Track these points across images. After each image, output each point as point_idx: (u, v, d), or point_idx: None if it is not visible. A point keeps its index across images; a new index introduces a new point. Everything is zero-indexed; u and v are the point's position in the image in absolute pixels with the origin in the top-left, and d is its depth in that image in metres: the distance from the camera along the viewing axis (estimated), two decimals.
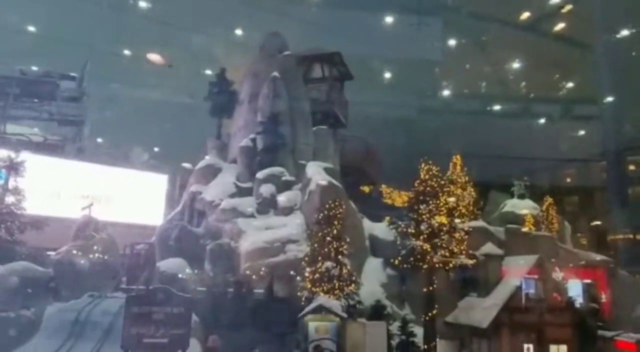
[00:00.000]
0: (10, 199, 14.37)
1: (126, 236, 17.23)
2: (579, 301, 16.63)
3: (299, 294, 12.60)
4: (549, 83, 43.35)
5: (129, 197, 25.43)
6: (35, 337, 11.36)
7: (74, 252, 13.58)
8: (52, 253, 14.43)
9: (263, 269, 14.30)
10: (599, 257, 19.91)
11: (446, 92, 44.20)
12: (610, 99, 40.11)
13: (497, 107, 44.08)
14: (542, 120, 43.47)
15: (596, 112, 40.47)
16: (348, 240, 13.57)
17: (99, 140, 34.06)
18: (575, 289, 17.29)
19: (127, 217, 22.78)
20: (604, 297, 18.64)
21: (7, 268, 12.02)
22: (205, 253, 14.51)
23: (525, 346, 13.95)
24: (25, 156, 15.79)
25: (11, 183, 14.54)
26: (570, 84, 42.93)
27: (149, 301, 9.00)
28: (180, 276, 11.88)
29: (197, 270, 13.24)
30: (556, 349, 14.35)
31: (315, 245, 13.30)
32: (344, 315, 11.42)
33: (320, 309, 11.09)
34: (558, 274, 16.99)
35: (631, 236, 39.80)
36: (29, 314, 11.52)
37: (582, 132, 42.57)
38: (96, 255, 13.85)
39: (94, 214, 15.78)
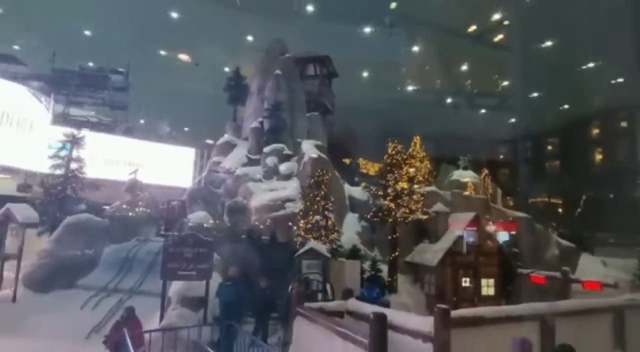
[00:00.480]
0: (73, 165, 14.25)
1: (163, 195, 17.27)
2: (503, 247, 17.03)
3: (294, 239, 12.78)
4: (489, 81, 43.54)
5: (165, 165, 25.34)
6: (96, 270, 11.50)
7: (124, 206, 13.60)
8: (107, 207, 14.41)
9: (267, 221, 14.41)
10: (521, 214, 20.30)
11: (410, 88, 44.16)
12: (535, 94, 40.15)
13: (449, 100, 44.18)
14: (483, 110, 43.70)
15: (524, 104, 40.80)
16: (332, 199, 13.68)
17: (142, 121, 33.82)
18: (502, 238, 17.70)
19: (164, 181, 22.75)
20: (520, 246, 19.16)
21: (73, 218, 12.03)
22: (224, 208, 14.60)
23: (464, 279, 14.35)
24: (85, 133, 15.63)
25: (74, 153, 14.40)
26: (505, 82, 43.02)
27: (181, 243, 9.08)
28: (205, 225, 11.96)
29: (218, 221, 13.34)
30: (486, 282, 14.77)
31: (308, 203, 13.41)
32: (329, 255, 11.60)
33: (310, 251, 11.23)
34: (491, 227, 17.33)
35: (546, 199, 40.78)
36: (91, 253, 11.62)
37: (512, 120, 42.87)
38: (141, 209, 13.88)
39: (138, 178, 15.72)
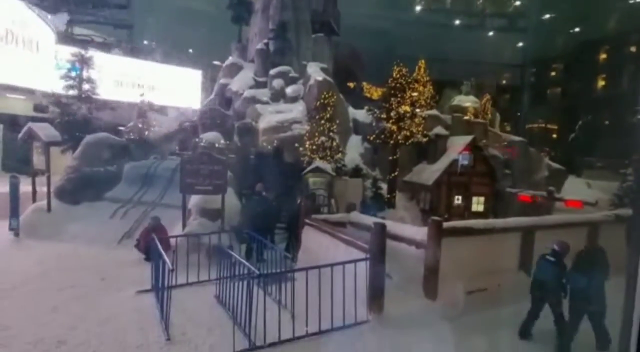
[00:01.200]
0: (86, 86, 14.00)
1: (175, 116, 17.18)
2: (496, 170, 17.30)
3: (301, 159, 13.05)
4: (501, 1, 39.97)
5: (173, 87, 24.80)
6: (120, 185, 11.97)
7: (140, 126, 13.65)
8: (122, 128, 14.47)
9: (275, 141, 14.56)
10: (516, 138, 20.29)
11: (418, 8, 40.78)
12: (548, 15, 37.19)
13: (458, 21, 41.03)
14: (492, 33, 40.87)
15: (535, 26, 37.96)
16: (337, 122, 13.66)
17: (145, 42, 32.11)
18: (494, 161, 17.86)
19: (174, 102, 22.42)
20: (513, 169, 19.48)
21: (92, 137, 12.18)
22: (233, 129, 14.66)
23: (456, 197, 14.93)
24: (92, 53, 15.03)
25: (85, 74, 14.03)
26: (517, 2, 39.53)
27: (197, 161, 9.33)
28: (217, 145, 12.12)
29: (229, 141, 13.49)
30: (477, 200, 15.39)
31: (314, 125, 13.43)
32: (333, 173, 11.96)
33: (316, 170, 11.57)
34: (484, 151, 17.45)
35: (543, 125, 40.31)
36: (113, 169, 11.97)
37: (520, 44, 40.35)
38: (156, 128, 13.96)
39: (150, 100, 15.53)
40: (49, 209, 10.71)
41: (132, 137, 13.47)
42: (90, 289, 6.73)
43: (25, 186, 10.71)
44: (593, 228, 9.10)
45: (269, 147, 14.05)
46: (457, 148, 15.21)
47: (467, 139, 15.16)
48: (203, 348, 4.80)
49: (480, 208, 15.13)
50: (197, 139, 12.49)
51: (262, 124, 15.14)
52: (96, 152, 11.95)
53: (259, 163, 12.96)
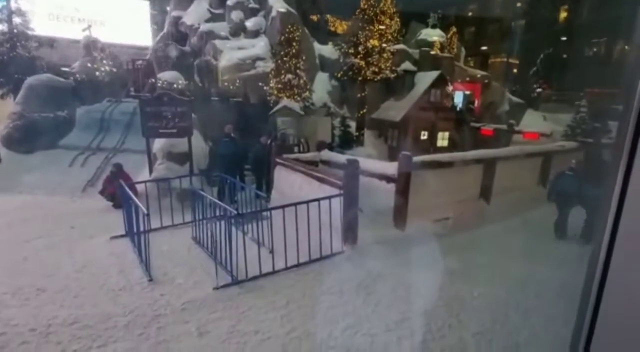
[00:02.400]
0: (17, 19, 12.34)
1: (124, 54, 15.78)
2: (460, 105, 17.76)
3: (268, 98, 12.68)
4: None
5: (118, 21, 22.30)
6: (74, 131, 11.27)
7: (88, 65, 12.48)
8: (66, 68, 13.19)
9: (238, 81, 13.94)
10: (480, 72, 20.55)
11: None
12: None
13: None
14: None
15: None
16: (304, 58, 13.14)
17: None
18: (458, 98, 18.26)
19: (121, 39, 20.37)
20: (477, 103, 20.03)
21: (33, 79, 11.04)
22: (193, 68, 13.80)
23: (422, 132, 15.34)
24: None
25: (13, 5, 12.28)
26: None
27: (157, 103, 8.84)
28: (176, 85, 11.43)
29: (190, 81, 12.75)
30: (442, 135, 15.91)
31: (279, 61, 12.84)
32: (302, 112, 11.80)
33: (284, 109, 11.35)
34: (449, 87, 17.69)
35: (505, 59, 40.77)
36: (64, 114, 11.13)
37: None
38: (106, 68, 12.83)
39: (95, 36, 14.06)
40: None
41: (80, 78, 12.37)
42: (60, 238, 6.61)
43: None
44: (547, 157, 9.82)
45: (232, 87, 13.46)
46: (424, 83, 15.29)
47: (435, 74, 15.21)
48: (187, 285, 4.98)
49: (445, 143, 15.72)
50: (153, 80, 11.66)
51: (223, 62, 14.31)
52: (40, 96, 10.95)
53: (224, 104, 12.46)
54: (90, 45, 13.15)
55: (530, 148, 10.46)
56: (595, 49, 30.40)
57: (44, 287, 4.78)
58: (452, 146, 15.62)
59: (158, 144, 9.52)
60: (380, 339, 3.95)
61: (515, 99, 20.64)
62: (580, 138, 12.55)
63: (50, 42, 13.19)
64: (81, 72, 12.36)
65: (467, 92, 19.15)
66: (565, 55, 33.00)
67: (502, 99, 20.10)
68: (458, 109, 16.76)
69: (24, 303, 4.40)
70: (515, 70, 39.32)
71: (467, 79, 20.04)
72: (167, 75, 11.18)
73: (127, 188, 6.15)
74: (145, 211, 5.12)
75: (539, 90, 25.10)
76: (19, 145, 10.28)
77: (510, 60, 40.76)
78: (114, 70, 12.85)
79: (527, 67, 33.82)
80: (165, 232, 7.06)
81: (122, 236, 6.65)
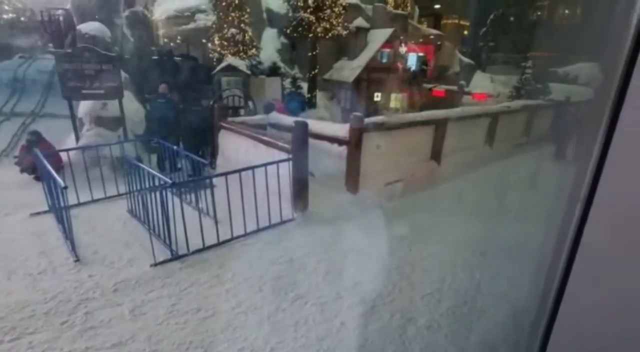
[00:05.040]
0: None
1: (37, 3, 13.66)
2: (413, 67, 17.72)
3: (210, 56, 11.74)
4: None
5: None
6: None
7: None
8: None
9: (178, 37, 12.74)
10: (434, 31, 20.50)
11: None
12: None
13: None
14: None
15: None
16: (248, 10, 12.17)
17: None
18: (412, 59, 18.17)
19: None
20: (430, 64, 20.14)
21: None
22: (122, 20, 12.28)
23: (376, 93, 15.19)
24: None
25: None
26: None
27: (76, 58, 7.75)
28: (101, 37, 10.10)
29: (118, 34, 11.37)
30: (394, 96, 15.89)
31: (221, 14, 11.80)
32: (248, 72, 11.09)
33: (229, 68, 10.57)
34: (403, 48, 17.49)
35: (457, 21, 41.20)
36: None
37: None
38: (10, 15, 11.02)
39: None
40: None
41: None
42: None
43: None
44: (494, 118, 10.10)
45: (172, 43, 12.27)
46: (378, 42, 14.94)
47: (389, 31, 14.87)
48: (120, 264, 4.56)
49: (398, 104, 15.74)
50: (74, 32, 10.21)
51: (158, 14, 12.93)
52: None
53: (160, 61, 11.33)
54: None
55: (478, 109, 10.69)
56: (539, 13, 31.39)
57: None
58: (405, 107, 15.71)
59: (84, 107, 8.53)
60: (330, 307, 3.87)
61: (466, 59, 20.99)
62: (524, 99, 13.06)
63: None
64: None
65: (421, 54, 19.13)
66: (512, 18, 33.92)
67: (453, 61, 20.35)
68: (412, 70, 16.72)
69: None
70: (465, 32, 40.00)
71: (421, 40, 19.92)
72: (89, 27, 9.76)
73: (43, 158, 5.40)
74: (63, 183, 4.51)
75: (488, 51, 25.70)
76: None
77: (462, 22, 41.32)
78: (23, 19, 11.05)
79: (477, 28, 34.44)
80: (97, 205, 6.44)
81: (45, 212, 5.95)
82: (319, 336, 3.48)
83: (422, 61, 18.73)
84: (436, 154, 8.37)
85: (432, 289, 4.23)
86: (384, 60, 15.14)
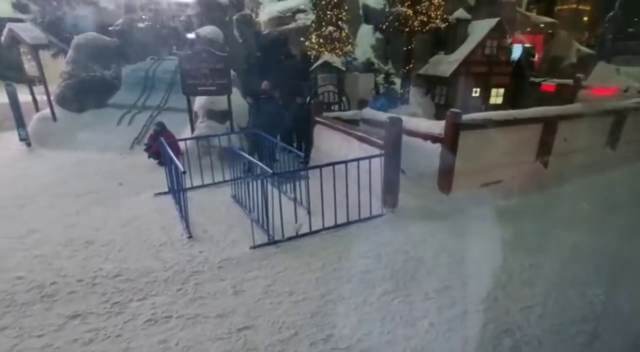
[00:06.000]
0: None
1: (166, 11, 15.59)
2: (519, 58, 16.06)
3: (308, 53, 12.12)
4: None
5: None
6: (121, 90, 11.53)
7: (130, 23, 12.44)
8: (111, 27, 13.27)
9: (279, 36, 13.42)
10: (546, 19, 18.32)
11: None
12: None
13: None
14: None
15: None
16: (346, 8, 12.26)
17: None
18: (517, 51, 16.48)
19: None
20: (537, 56, 18.09)
21: (80, 38, 11.22)
22: (232, 23, 13.38)
23: (474, 89, 14.14)
24: None
25: None
26: None
27: (196, 59, 8.67)
28: (214, 39, 11.14)
29: (229, 36, 12.41)
30: (496, 92, 14.61)
31: (320, 13, 12.10)
32: (343, 68, 11.20)
33: (325, 64, 10.80)
34: (507, 40, 15.97)
35: (574, 6, 36.20)
36: (111, 73, 11.35)
37: None
38: (146, 23, 12.75)
39: None
40: (54, 117, 10.54)
41: (125, 35, 12.42)
42: (109, 193, 6.93)
43: (23, 95, 10.36)
44: (619, 116, 8.67)
45: (273, 42, 12.98)
46: (479, 34, 13.86)
47: (492, 22, 13.68)
48: (225, 243, 5.03)
49: (499, 101, 14.48)
50: (193, 35, 11.45)
51: (263, 16, 13.78)
52: (88, 54, 11.17)
53: (264, 60, 12.10)
54: (132, 2, 13.06)
55: (598, 105, 9.26)
56: None
57: (92, 240, 5.04)
58: (507, 104, 14.35)
59: (198, 102, 9.51)
60: (418, 307, 3.76)
61: (584, 49, 18.33)
62: None
63: (91, 0, 13.29)
64: (124, 30, 12.34)
65: (528, 45, 17.27)
66: None
67: (568, 51, 17.93)
68: (516, 63, 15.17)
69: (73, 255, 4.67)
70: (585, 18, 34.89)
71: (528, 29, 17.97)
72: (206, 30, 10.88)
73: (167, 146, 6.19)
74: (182, 169, 5.12)
75: (615, 39, 22.02)
76: (71, 104, 10.71)
77: (581, 7, 36.13)
78: (157, 26, 12.70)
79: (600, 14, 29.76)
80: (206, 190, 7.17)
81: (165, 193, 6.83)
82: (406, 334, 3.41)
83: (529, 53, 16.89)
84: (543, 156, 7.51)
85: (533, 302, 3.83)
86: (486, 52, 13.98)
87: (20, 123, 9.95)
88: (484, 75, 14.06)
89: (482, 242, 4.99)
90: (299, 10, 13.63)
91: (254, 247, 4.89)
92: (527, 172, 7.22)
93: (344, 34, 11.99)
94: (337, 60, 11.07)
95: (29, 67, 10.63)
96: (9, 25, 10.22)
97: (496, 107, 13.97)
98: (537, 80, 14.71)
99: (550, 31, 18.74)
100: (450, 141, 6.12)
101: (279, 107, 8.85)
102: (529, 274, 4.30)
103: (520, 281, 4.17)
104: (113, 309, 3.69)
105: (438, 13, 12.77)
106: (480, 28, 13.99)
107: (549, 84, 14.24)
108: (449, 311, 3.71)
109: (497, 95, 14.48)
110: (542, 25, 18.64)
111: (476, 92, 14.14)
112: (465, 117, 6.24)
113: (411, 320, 3.58)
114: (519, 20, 17.01)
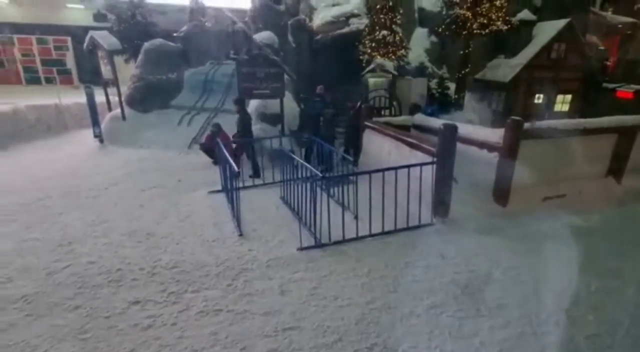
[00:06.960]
0: None
1: (225, 17, 16.35)
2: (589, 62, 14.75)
3: (360, 58, 12.07)
4: None
5: None
6: (183, 92, 12.26)
7: (193, 29, 13.23)
8: (176, 33, 14.17)
9: (332, 40, 13.51)
10: (623, 21, 16.73)
11: None
12: None
13: None
14: None
15: None
16: (401, 11, 12.05)
17: None
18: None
19: (223, 3, 21.16)
20: (611, 60, 16.57)
21: (150, 44, 12.15)
22: (287, 28, 13.71)
23: (537, 95, 13.24)
24: None
25: None
26: None
27: (252, 63, 9.00)
28: (269, 43, 11.49)
29: (284, 40, 12.74)
30: (562, 98, 13.58)
31: (374, 17, 12.00)
32: (396, 73, 11.03)
33: (377, 69, 10.71)
34: (579, 42, 14.75)
35: None
36: (174, 77, 12.14)
37: None
38: (210, 30, 13.49)
39: (199, 1, 14.76)
40: (123, 117, 11.45)
41: (188, 41, 13.21)
42: (169, 189, 7.39)
43: (99, 97, 11.37)
44: None
45: (325, 46, 13.10)
46: (546, 36, 12.96)
47: (561, 24, 12.73)
48: (273, 243, 5.15)
49: (565, 108, 13.43)
50: (250, 40, 11.90)
51: (317, 20, 13.95)
52: (155, 59, 12.04)
53: (317, 64, 12.26)
54: (196, 11, 13.86)
55: None
56: None
57: (153, 232, 5.40)
58: (575, 111, 13.28)
59: (252, 105, 9.86)
60: (468, 323, 3.59)
61: None
62: None
63: (163, 10, 14.29)
64: (187, 36, 13.12)
65: (601, 48, 15.86)
66: None
67: None
68: (586, 67, 13.96)
69: (136, 245, 5.03)
70: None
71: (604, 29, 16.51)
72: (262, 36, 11.28)
73: (222, 146, 6.47)
74: (237, 169, 5.33)
75: None
76: (138, 105, 11.60)
77: None
78: (218, 32, 13.37)
79: None
80: (257, 190, 7.40)
81: (218, 191, 7.14)
82: (455, 351, 3.27)
83: (601, 56, 15.51)
84: (616, 170, 6.88)
85: (601, 330, 3.50)
86: (552, 56, 13.03)
87: (95, 121, 10.95)
88: (549, 80, 13.11)
89: (543, 260, 4.65)
90: (353, 15, 13.61)
91: (301, 249, 4.95)
92: (597, 187, 6.64)
93: (397, 38, 11.78)
94: (389, 65, 10.93)
95: (105, 70, 11.65)
96: (90, 33, 11.30)
97: (562, 114, 12.99)
98: (612, 86, 13.45)
99: (629, 32, 17.12)
100: (509, 150, 5.80)
101: (330, 111, 8.91)
102: (596, 299, 3.94)
103: (587, 306, 3.83)
104: (169, 298, 3.92)
105: (500, 15, 12.12)
106: (547, 30, 13.07)
107: (626, 91, 12.97)
108: (503, 331, 3.50)
109: (563, 102, 13.45)
110: (619, 26, 17.06)
111: (539, 99, 13.23)
112: (526, 125, 5.88)
113: (460, 337, 3.43)
114: (592, 20, 15.65)
